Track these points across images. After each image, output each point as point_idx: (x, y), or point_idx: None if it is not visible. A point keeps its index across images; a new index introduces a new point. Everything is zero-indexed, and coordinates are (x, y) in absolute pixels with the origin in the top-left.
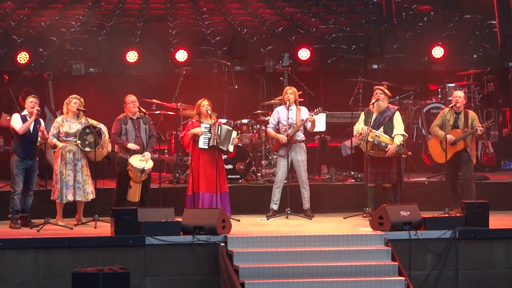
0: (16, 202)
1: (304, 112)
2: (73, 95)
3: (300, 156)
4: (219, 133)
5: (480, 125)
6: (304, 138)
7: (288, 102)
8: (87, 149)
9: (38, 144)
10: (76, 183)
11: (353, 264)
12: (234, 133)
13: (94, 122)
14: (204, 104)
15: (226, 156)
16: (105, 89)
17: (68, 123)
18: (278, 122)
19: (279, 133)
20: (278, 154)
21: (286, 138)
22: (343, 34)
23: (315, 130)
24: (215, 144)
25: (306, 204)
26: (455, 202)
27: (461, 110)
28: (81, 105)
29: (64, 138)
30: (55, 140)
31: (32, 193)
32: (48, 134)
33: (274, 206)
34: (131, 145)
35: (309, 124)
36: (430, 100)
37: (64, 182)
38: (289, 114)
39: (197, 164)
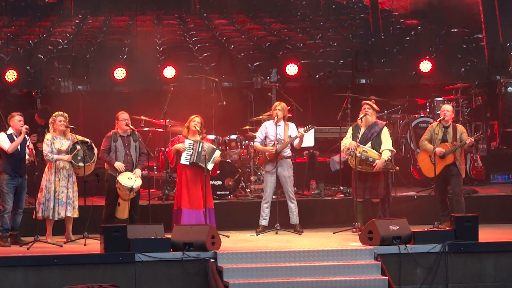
0: (6, 221)
1: (292, 129)
2: (57, 113)
3: (286, 172)
4: (199, 150)
5: (468, 137)
6: (290, 154)
7: (276, 117)
8: (81, 163)
9: (27, 162)
10: (67, 199)
11: (343, 279)
12: (218, 152)
13: (80, 138)
14: (195, 120)
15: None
16: (94, 107)
17: (58, 140)
18: (266, 137)
19: None
20: (265, 170)
21: (273, 149)
22: (331, 49)
23: (303, 145)
24: (195, 161)
25: (295, 219)
26: (444, 216)
27: (450, 124)
28: (66, 120)
29: (56, 156)
30: (56, 156)
31: (21, 211)
32: (43, 152)
33: (264, 222)
34: (118, 165)
35: (297, 141)
36: (419, 114)
37: (58, 200)
38: (277, 130)
39: (180, 180)
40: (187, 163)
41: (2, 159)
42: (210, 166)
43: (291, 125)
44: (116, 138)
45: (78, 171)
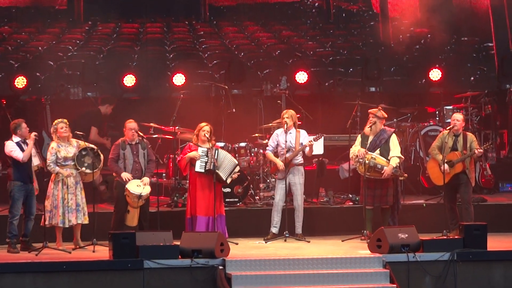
0: (15, 227)
1: (304, 136)
2: (57, 120)
3: (297, 179)
4: (216, 157)
5: (478, 147)
6: (302, 162)
7: (285, 125)
8: (88, 170)
9: (36, 169)
10: (77, 206)
11: (352, 286)
12: (238, 168)
13: (84, 144)
14: (205, 129)
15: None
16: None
17: (64, 147)
18: (277, 145)
19: (278, 155)
20: (276, 177)
21: (282, 164)
22: (340, 57)
23: (313, 153)
24: (211, 168)
25: (299, 229)
26: (453, 224)
27: (460, 133)
28: (68, 126)
29: (62, 163)
30: (57, 169)
31: (33, 217)
32: (47, 161)
33: (274, 229)
34: (124, 175)
35: (307, 149)
36: (428, 122)
37: (67, 207)
38: (287, 138)
39: (194, 188)
40: (202, 170)
41: (13, 167)
42: (229, 180)
43: (303, 132)
44: (125, 146)
45: (84, 178)
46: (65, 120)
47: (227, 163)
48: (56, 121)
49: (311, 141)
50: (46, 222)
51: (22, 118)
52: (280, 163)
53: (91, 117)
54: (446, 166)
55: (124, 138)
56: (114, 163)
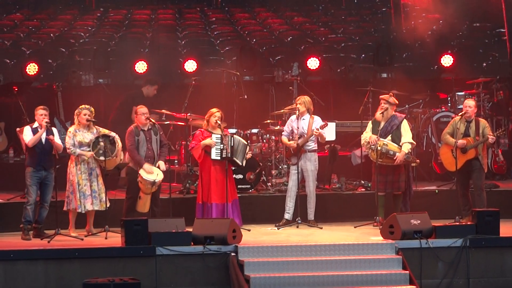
0: (29, 213)
1: (317, 122)
2: (83, 106)
3: (310, 166)
4: (232, 145)
5: (491, 134)
6: (315, 148)
7: (297, 112)
8: (102, 158)
9: (57, 157)
10: (92, 192)
11: (364, 273)
12: (248, 148)
13: (106, 131)
14: (216, 115)
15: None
16: (115, 100)
17: (81, 133)
18: (292, 131)
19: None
20: (290, 163)
21: (294, 145)
22: (352, 43)
23: (325, 140)
24: (228, 155)
25: (311, 215)
26: (465, 210)
27: (472, 119)
28: (92, 115)
29: (78, 150)
30: (78, 151)
31: (47, 205)
32: (66, 145)
33: (287, 216)
34: (147, 167)
35: (319, 136)
36: (440, 108)
37: (82, 192)
38: (300, 124)
39: (208, 174)
40: (218, 158)
41: (27, 152)
42: (244, 162)
43: (317, 119)
44: (138, 132)
45: (103, 165)
46: (92, 108)
47: (240, 148)
48: (81, 106)
49: (318, 129)
50: (65, 208)
51: (35, 105)
52: (293, 144)
53: (133, 98)
54: (459, 144)
55: (136, 124)
56: (136, 151)
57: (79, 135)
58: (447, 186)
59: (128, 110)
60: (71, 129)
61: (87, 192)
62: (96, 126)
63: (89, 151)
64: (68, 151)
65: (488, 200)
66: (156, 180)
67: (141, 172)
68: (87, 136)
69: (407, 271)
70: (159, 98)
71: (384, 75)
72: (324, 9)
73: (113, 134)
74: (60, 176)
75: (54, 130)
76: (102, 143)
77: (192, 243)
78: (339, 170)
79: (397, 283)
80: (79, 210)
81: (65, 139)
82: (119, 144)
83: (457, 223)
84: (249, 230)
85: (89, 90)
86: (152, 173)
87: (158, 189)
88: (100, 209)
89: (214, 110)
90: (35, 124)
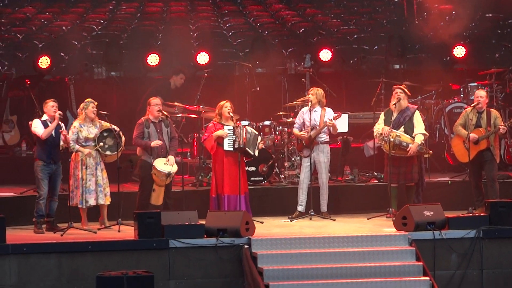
0: (41, 207)
1: (329, 114)
2: (89, 99)
3: (322, 157)
4: (244, 135)
5: (502, 124)
6: (327, 140)
7: (310, 103)
8: (108, 152)
9: (60, 148)
10: (97, 187)
11: (377, 264)
12: (259, 138)
13: (107, 125)
14: (227, 106)
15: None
16: (127, 93)
17: (86, 127)
18: (303, 123)
19: None
20: (302, 155)
21: (305, 136)
22: (365, 35)
23: (338, 131)
24: (241, 146)
25: (324, 207)
26: (479, 201)
27: (484, 109)
28: (95, 107)
29: (83, 143)
30: (77, 147)
31: (57, 198)
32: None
33: (300, 208)
34: (154, 143)
35: (332, 127)
36: (452, 99)
37: (85, 188)
38: (312, 116)
39: (221, 166)
40: (231, 148)
41: (37, 145)
42: (256, 152)
43: (328, 110)
44: (149, 124)
45: (105, 159)
46: (95, 102)
47: (252, 138)
48: (88, 100)
49: (331, 119)
50: (69, 203)
51: (47, 98)
52: (304, 135)
53: (159, 87)
54: (471, 139)
55: (147, 117)
56: (140, 139)
57: (84, 130)
58: (460, 177)
59: None
60: (76, 124)
61: (91, 188)
62: (99, 120)
63: (94, 145)
64: (69, 145)
65: (501, 191)
66: (171, 172)
67: (156, 163)
68: (92, 131)
69: (421, 263)
70: (171, 90)
71: (397, 66)
72: (336, 1)
73: (116, 128)
74: (63, 169)
75: (61, 123)
76: (107, 137)
77: (205, 236)
78: (352, 162)
79: (411, 274)
80: (80, 206)
81: (68, 133)
82: (123, 138)
83: (470, 214)
84: (262, 223)
85: (101, 83)
86: (165, 163)
87: (170, 181)
88: (105, 203)
89: (223, 102)
90: (44, 117)
